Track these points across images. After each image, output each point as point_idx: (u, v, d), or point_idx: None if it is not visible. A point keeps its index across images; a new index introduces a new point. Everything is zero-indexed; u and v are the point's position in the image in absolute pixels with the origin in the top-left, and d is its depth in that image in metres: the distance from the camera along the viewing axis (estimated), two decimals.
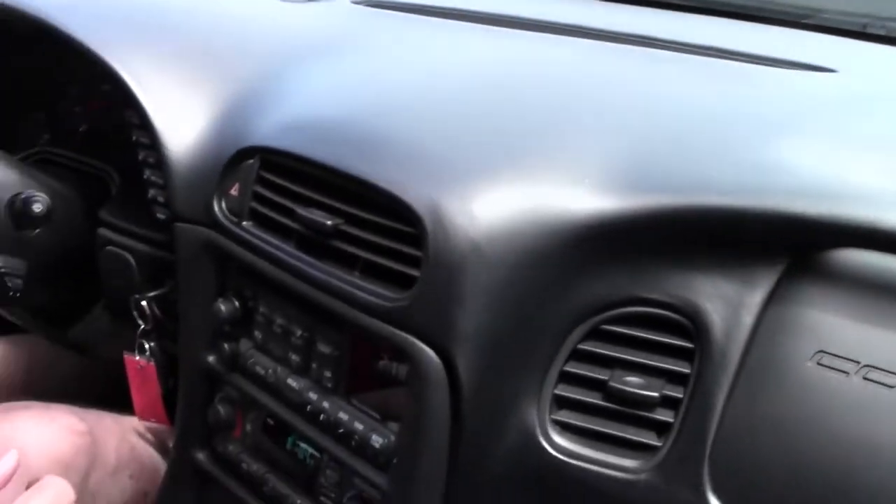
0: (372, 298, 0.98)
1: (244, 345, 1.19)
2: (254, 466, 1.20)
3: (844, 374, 0.82)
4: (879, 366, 0.81)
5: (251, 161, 1.15)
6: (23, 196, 1.33)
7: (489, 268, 0.91)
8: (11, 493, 0.97)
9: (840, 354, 0.83)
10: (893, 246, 0.83)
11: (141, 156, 1.31)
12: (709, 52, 1.20)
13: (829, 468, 0.81)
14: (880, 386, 0.80)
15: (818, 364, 0.84)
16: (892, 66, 1.21)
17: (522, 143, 1.01)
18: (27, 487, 0.97)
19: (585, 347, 0.94)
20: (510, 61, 1.24)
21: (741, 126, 1.01)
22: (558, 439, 0.94)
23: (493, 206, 0.93)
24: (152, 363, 1.38)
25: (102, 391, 1.64)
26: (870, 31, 1.25)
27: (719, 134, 0.99)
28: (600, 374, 0.93)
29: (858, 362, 0.82)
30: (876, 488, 0.78)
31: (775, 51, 1.20)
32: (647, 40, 1.24)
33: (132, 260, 1.37)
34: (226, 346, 1.20)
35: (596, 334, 0.94)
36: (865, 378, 0.81)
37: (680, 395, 0.89)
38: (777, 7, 1.34)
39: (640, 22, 1.33)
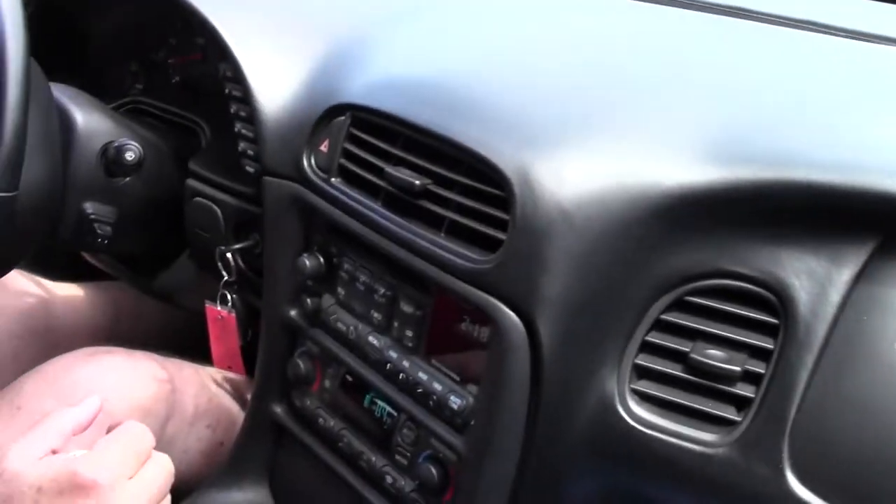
0: (457, 260, 0.99)
1: (326, 301, 1.22)
2: (330, 422, 1.23)
3: None
4: None
5: (342, 118, 1.16)
6: (116, 144, 1.36)
7: (576, 234, 0.92)
8: (92, 436, 1.00)
9: None
10: None
11: (233, 109, 1.33)
12: (809, 26, 1.19)
13: None
14: None
15: None
16: None
17: (616, 111, 1.01)
18: (107, 432, 1.00)
19: (668, 318, 0.95)
20: (607, 28, 1.24)
21: (838, 102, 1.00)
22: (637, 409, 0.95)
23: (583, 172, 0.94)
24: (233, 314, 1.41)
25: (184, 341, 1.68)
26: None
27: (815, 109, 0.99)
28: (682, 346, 0.93)
29: None
30: None
31: (877, 27, 1.19)
32: (747, 13, 1.23)
33: (219, 212, 1.40)
34: (308, 300, 1.22)
35: (679, 305, 0.95)
36: None
37: (762, 371, 0.89)
38: None
39: None
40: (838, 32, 1.17)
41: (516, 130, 1.00)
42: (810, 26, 1.19)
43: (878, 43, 1.15)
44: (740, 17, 1.22)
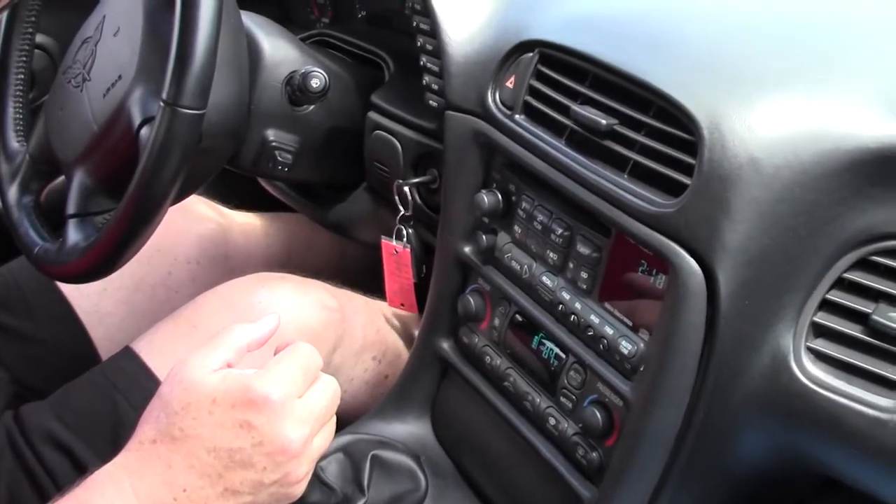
0: (639, 202, 1.02)
1: (502, 239, 1.26)
2: (497, 361, 1.27)
3: None
4: None
5: (530, 55, 1.19)
6: (301, 72, 1.42)
7: (764, 182, 0.93)
8: (266, 354, 1.05)
9: None
10: None
11: (419, 42, 1.38)
12: None
13: None
14: None
15: None
16: None
17: (813, 59, 1.02)
18: (275, 353, 1.05)
19: (851, 277, 0.96)
20: None
21: None
22: (811, 368, 0.97)
23: (774, 120, 0.95)
24: (408, 249, 1.46)
25: (356, 275, 1.75)
26: None
27: None
28: (864, 307, 0.94)
29: None
30: None
31: None
32: None
33: (399, 145, 1.45)
34: (484, 238, 1.26)
35: (864, 264, 0.96)
36: None
37: None
38: None
39: None
40: None
41: (708, 73, 1.01)
42: None
43: None
44: None
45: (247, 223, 1.82)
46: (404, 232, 1.46)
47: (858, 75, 0.99)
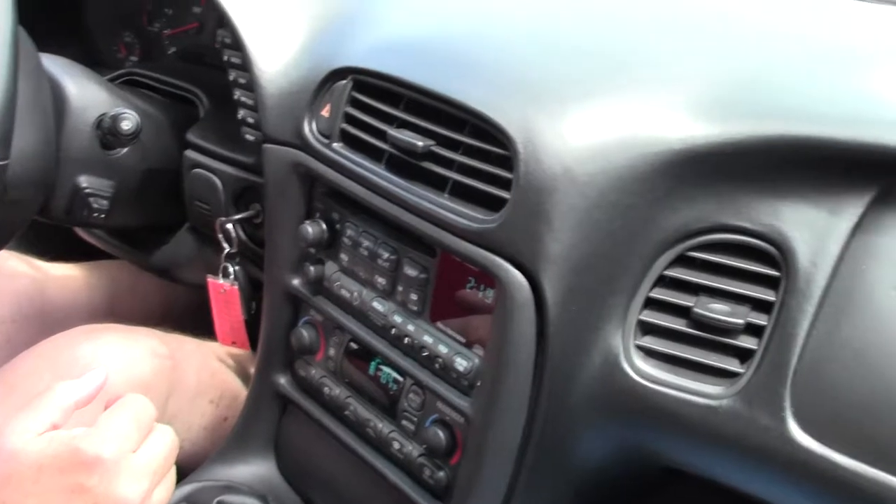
0: (461, 220, 1.06)
1: (330, 268, 1.28)
2: (336, 390, 1.30)
3: None
4: None
5: (344, 82, 1.23)
6: (111, 114, 1.41)
7: (579, 190, 0.99)
8: (94, 412, 1.02)
9: None
10: None
11: (232, 76, 1.40)
12: None
13: None
14: None
15: None
16: None
17: (616, 67, 1.08)
18: (105, 408, 1.02)
19: (672, 273, 1.02)
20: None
21: (837, 58, 1.06)
22: (642, 365, 1.03)
23: (585, 128, 1.00)
24: (235, 286, 1.47)
25: (185, 317, 1.74)
26: None
27: (815, 64, 1.05)
28: (686, 301, 1.01)
29: None
30: None
31: None
32: None
33: (219, 182, 1.46)
34: (311, 268, 1.29)
35: (682, 260, 1.02)
36: None
37: (764, 323, 0.97)
38: None
39: None
40: None
41: (519, 89, 1.06)
42: None
43: (872, 1, 1.21)
44: None
45: (65, 275, 1.77)
46: (230, 269, 1.48)
47: (662, 80, 1.05)
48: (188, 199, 1.53)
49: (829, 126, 0.95)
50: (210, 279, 1.49)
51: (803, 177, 0.96)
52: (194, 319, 1.66)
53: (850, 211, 0.94)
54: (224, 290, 1.48)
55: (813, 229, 0.95)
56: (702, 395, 0.99)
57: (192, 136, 1.51)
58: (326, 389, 1.31)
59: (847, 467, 0.90)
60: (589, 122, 1.01)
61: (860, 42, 1.09)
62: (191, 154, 1.50)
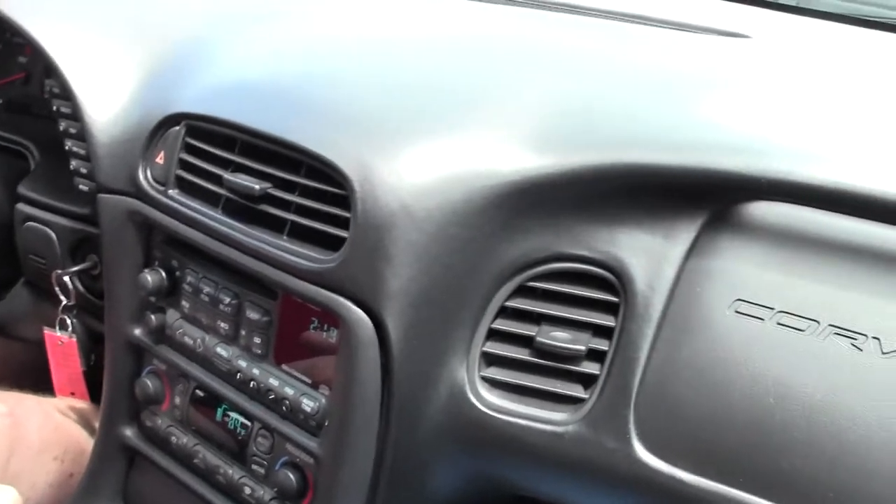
0: (300, 261, 1.04)
1: (171, 316, 1.25)
2: (184, 439, 1.26)
3: (760, 321, 0.91)
4: (791, 311, 0.90)
5: (177, 128, 1.20)
6: None
7: (417, 226, 0.98)
8: None
9: (756, 302, 0.92)
10: (805, 198, 0.91)
11: (62, 126, 1.36)
12: (632, 18, 1.28)
13: (745, 409, 0.89)
14: (791, 330, 0.89)
15: (736, 312, 0.92)
16: (799, 32, 1.31)
17: (450, 103, 1.08)
18: None
19: (513, 304, 1.02)
20: (437, 25, 1.31)
21: (664, 87, 1.09)
22: (487, 395, 1.02)
23: (420, 165, 1.00)
24: (73, 339, 1.43)
25: (24, 373, 1.67)
26: (782, 1, 1.35)
27: (643, 94, 1.07)
28: (528, 331, 1.01)
29: (773, 308, 0.91)
30: (788, 425, 0.87)
31: (694, 19, 1.29)
32: (573, 8, 1.32)
33: (53, 235, 1.42)
34: (153, 317, 1.25)
35: (523, 291, 1.02)
36: (779, 323, 0.90)
37: (605, 348, 0.97)
38: None
39: None
40: (657, 24, 1.27)
41: (353, 128, 1.06)
42: (632, 18, 1.28)
43: (695, 32, 1.25)
44: (566, 12, 1.31)
45: None
46: (68, 321, 1.43)
47: (497, 113, 1.05)
48: (22, 253, 1.48)
49: (659, 153, 0.97)
50: (47, 332, 1.45)
51: (638, 204, 0.97)
52: (34, 376, 1.61)
53: (683, 235, 0.96)
54: (62, 342, 1.44)
55: (649, 254, 0.96)
56: (548, 423, 0.99)
57: (23, 190, 1.47)
58: (174, 439, 1.27)
59: (692, 484, 0.91)
60: (425, 158, 1.01)
61: (688, 70, 1.12)
62: (23, 207, 1.46)
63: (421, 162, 1.00)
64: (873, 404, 0.86)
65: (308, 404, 1.08)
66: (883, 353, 0.88)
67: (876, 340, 0.88)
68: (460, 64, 1.17)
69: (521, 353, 1.01)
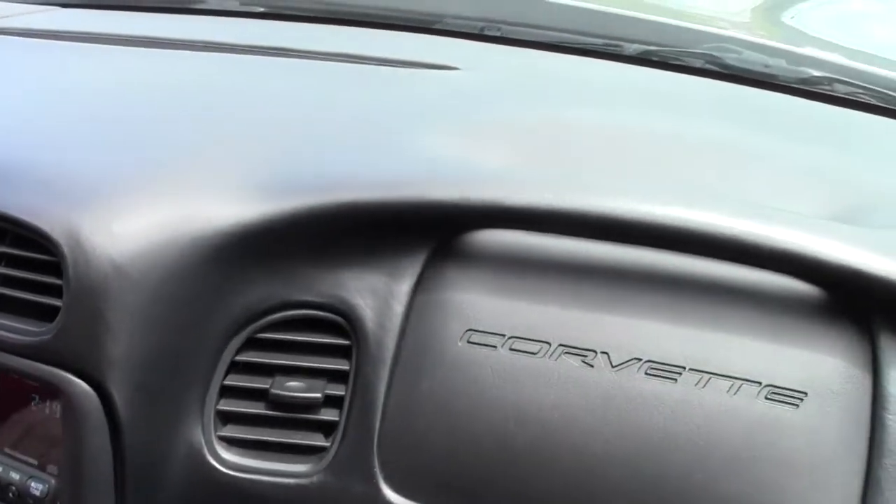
0: (12, 335, 0.94)
1: None
2: None
3: (493, 348, 0.88)
4: (522, 335, 0.88)
5: None
6: None
7: (134, 288, 0.90)
8: None
9: (487, 330, 0.89)
10: (519, 222, 0.89)
11: None
12: (340, 58, 1.25)
13: (488, 437, 0.87)
14: (524, 354, 0.87)
15: (468, 342, 0.89)
16: (506, 61, 1.31)
17: (160, 158, 1.00)
18: None
19: (244, 358, 0.95)
20: (143, 78, 1.22)
21: (377, 123, 1.06)
22: (226, 455, 0.95)
23: (133, 224, 0.92)
24: None
25: None
26: (487, 32, 1.35)
27: (356, 132, 1.03)
28: (262, 384, 0.95)
29: (504, 335, 0.88)
30: (531, 447, 0.85)
31: (404, 54, 1.26)
32: (281, 51, 1.27)
33: None
34: None
35: (253, 343, 0.96)
36: (512, 349, 0.88)
37: (342, 393, 0.92)
38: (402, 14, 1.40)
39: (273, 34, 1.35)
40: (367, 61, 1.23)
41: (60, 190, 0.96)
42: (340, 58, 1.25)
43: (405, 67, 1.22)
44: (275, 56, 1.26)
45: None
46: None
47: (208, 165, 0.99)
48: None
49: (373, 190, 0.93)
50: None
51: (361, 244, 0.93)
52: None
53: (409, 271, 0.93)
54: None
55: (375, 294, 0.92)
56: (292, 476, 0.93)
57: None
58: None
59: None
60: (137, 216, 0.93)
61: (399, 106, 1.09)
62: None
63: (133, 220, 0.92)
64: (608, 418, 0.86)
65: (37, 488, 0.98)
66: (613, 367, 0.88)
67: (605, 355, 0.88)
68: (168, 116, 1.10)
69: (258, 408, 0.95)
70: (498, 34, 1.34)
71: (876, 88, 1.26)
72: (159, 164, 0.99)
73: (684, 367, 0.87)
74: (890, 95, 1.25)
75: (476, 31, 1.35)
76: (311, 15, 1.40)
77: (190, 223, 0.92)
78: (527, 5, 1.45)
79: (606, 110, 1.14)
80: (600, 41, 1.32)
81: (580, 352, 0.88)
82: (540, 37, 1.33)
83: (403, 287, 0.92)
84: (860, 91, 1.25)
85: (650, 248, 0.91)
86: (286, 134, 1.03)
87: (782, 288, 0.90)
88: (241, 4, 1.42)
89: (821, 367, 0.87)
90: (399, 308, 0.91)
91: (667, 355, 0.88)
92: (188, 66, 1.24)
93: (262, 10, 1.41)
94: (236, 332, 0.95)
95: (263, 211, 0.92)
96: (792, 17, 1.97)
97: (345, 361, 0.93)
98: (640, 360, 0.88)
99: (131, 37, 1.32)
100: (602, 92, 1.21)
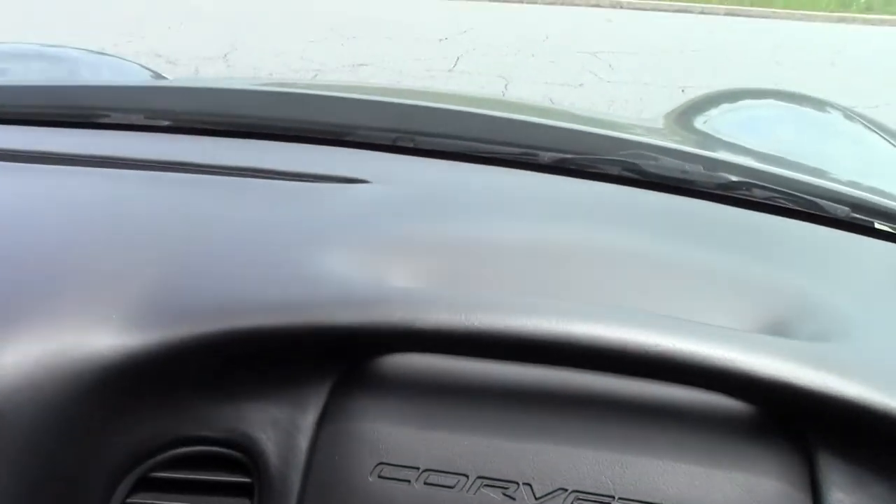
0: None
1: None
2: None
3: (407, 483, 0.79)
4: (438, 468, 0.79)
5: None
6: None
7: (9, 429, 0.80)
8: None
9: (400, 463, 0.80)
10: (431, 345, 0.81)
11: None
12: (244, 172, 1.16)
13: None
14: (441, 488, 0.78)
15: (380, 477, 0.80)
16: (419, 173, 1.23)
17: (38, 289, 0.89)
18: None
19: (135, 501, 0.84)
20: (26, 197, 1.09)
21: (280, 243, 0.96)
22: None
23: (7, 360, 0.82)
24: None
25: None
26: (399, 143, 1.27)
27: (257, 252, 0.94)
28: None
29: (418, 468, 0.79)
30: None
31: (313, 167, 1.18)
32: (182, 165, 1.17)
33: None
34: None
35: (146, 483, 0.85)
36: (427, 483, 0.78)
37: None
38: (312, 125, 1.32)
39: (177, 148, 1.26)
40: (273, 175, 1.15)
41: None
42: (244, 172, 1.16)
43: (313, 181, 1.14)
44: (172, 171, 1.16)
45: None
46: None
47: (87, 293, 0.88)
48: None
49: (272, 314, 0.83)
50: None
51: (260, 372, 0.84)
52: None
53: (313, 400, 0.83)
54: None
55: (278, 426, 0.82)
56: None
57: None
58: None
59: None
60: (10, 353, 0.82)
61: (302, 225, 1.00)
62: None
63: (8, 356, 0.82)
64: None
65: None
66: (536, 500, 0.79)
67: (528, 486, 0.79)
68: (50, 236, 0.99)
69: None
70: (411, 145, 1.27)
71: (793, 193, 1.20)
72: (38, 295, 0.88)
73: (613, 497, 0.79)
74: (807, 200, 1.19)
75: (388, 143, 1.28)
76: (217, 129, 1.31)
77: (69, 355, 0.82)
78: (441, 116, 1.39)
79: (521, 223, 1.06)
80: (516, 150, 1.25)
81: (501, 484, 0.79)
82: (454, 147, 1.25)
83: (308, 418, 0.82)
84: (777, 196, 1.20)
85: (571, 369, 0.83)
86: (177, 255, 0.93)
87: (713, 406, 0.83)
88: (146, 118, 1.32)
89: (757, 489, 0.80)
90: (304, 441, 0.82)
91: (594, 484, 0.79)
92: (77, 182, 1.12)
93: (167, 123, 1.31)
94: (126, 472, 0.84)
95: (149, 340, 0.82)
96: (704, 122, 1.94)
97: (246, 501, 0.83)
98: (565, 490, 0.79)
99: (20, 151, 1.21)
100: (517, 203, 1.14)
